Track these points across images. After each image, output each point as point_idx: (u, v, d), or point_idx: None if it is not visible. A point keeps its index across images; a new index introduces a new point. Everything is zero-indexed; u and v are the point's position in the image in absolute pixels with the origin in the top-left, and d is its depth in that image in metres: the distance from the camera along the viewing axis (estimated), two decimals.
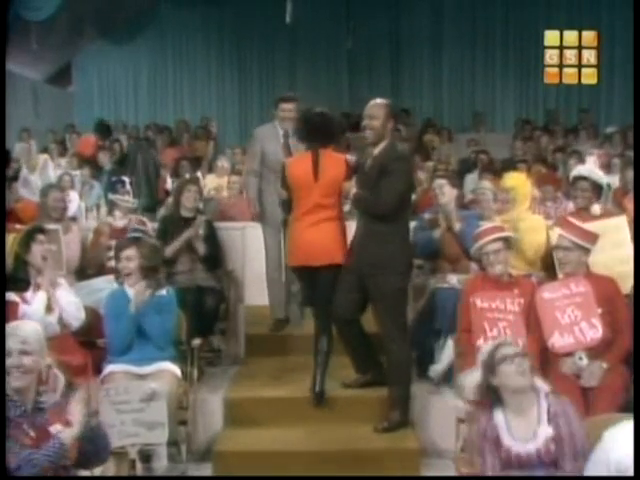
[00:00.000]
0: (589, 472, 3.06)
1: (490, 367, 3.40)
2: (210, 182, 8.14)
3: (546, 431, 3.32)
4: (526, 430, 3.35)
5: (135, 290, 4.58)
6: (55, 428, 3.14)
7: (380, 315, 4.78)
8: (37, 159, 8.92)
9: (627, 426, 2.92)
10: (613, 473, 2.86)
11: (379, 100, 4.84)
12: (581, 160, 7.94)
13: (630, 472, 2.80)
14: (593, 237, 4.50)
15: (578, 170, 5.52)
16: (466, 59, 14.27)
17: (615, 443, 2.91)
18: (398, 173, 4.66)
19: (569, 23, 12.37)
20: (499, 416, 3.40)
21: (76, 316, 4.62)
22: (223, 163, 8.84)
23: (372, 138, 4.77)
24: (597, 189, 5.30)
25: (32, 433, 3.09)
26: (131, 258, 4.68)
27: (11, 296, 4.47)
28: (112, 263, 5.53)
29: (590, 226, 4.61)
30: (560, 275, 4.58)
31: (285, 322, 5.94)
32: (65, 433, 3.08)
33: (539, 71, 13.76)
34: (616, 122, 11.93)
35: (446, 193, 5.41)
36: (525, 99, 14.31)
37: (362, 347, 4.98)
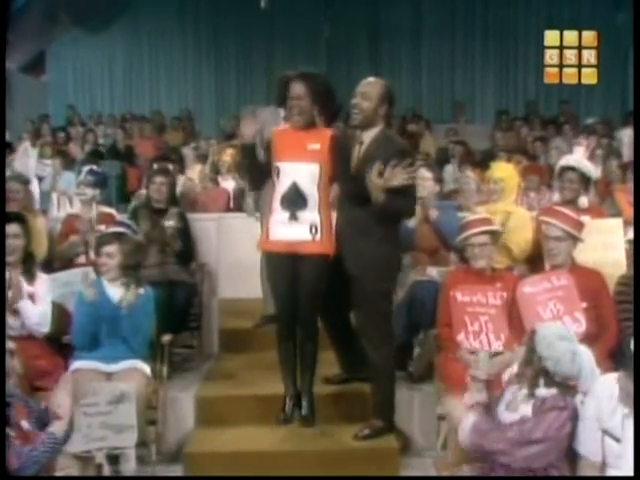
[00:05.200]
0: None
1: None
2: None
3: (526, 410, 3.28)
4: (513, 401, 3.39)
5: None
6: (24, 424, 3.14)
7: (360, 319, 4.45)
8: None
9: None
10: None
11: (374, 78, 4.37)
12: (562, 151, 7.88)
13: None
14: (582, 226, 4.41)
15: (567, 160, 5.39)
16: (445, 49, 14.28)
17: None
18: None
19: (549, 20, 12.43)
20: None
21: (38, 329, 4.40)
22: (188, 152, 8.74)
23: (358, 121, 4.27)
24: (585, 181, 5.18)
25: (12, 432, 3.06)
26: (112, 255, 4.42)
27: None
28: (82, 257, 5.38)
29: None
30: (547, 266, 4.46)
31: (274, 320, 5.69)
32: (57, 426, 3.16)
33: (519, 62, 13.84)
34: (596, 113, 11.94)
35: (427, 187, 5.25)
36: (505, 90, 14.29)
37: (345, 342, 4.74)
